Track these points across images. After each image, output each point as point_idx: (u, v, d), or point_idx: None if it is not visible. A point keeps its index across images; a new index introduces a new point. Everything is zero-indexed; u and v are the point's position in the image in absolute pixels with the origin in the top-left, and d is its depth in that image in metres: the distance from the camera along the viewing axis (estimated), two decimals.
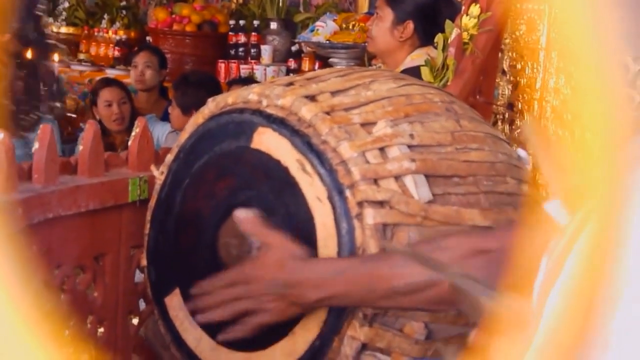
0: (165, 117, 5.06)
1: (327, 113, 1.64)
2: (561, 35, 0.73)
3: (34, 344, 0.65)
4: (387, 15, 3.30)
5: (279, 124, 1.64)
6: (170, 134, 4.62)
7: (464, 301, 1.11)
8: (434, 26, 3.13)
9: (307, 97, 1.67)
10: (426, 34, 3.22)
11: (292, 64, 6.29)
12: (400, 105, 1.70)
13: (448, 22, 2.68)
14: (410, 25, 3.26)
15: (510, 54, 2.73)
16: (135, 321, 2.03)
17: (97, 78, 5.57)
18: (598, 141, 0.69)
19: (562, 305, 0.74)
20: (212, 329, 1.67)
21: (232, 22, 6.75)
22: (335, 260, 1.56)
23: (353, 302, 1.55)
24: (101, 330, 1.95)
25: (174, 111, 4.58)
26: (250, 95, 1.72)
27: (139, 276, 2.02)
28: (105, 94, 4.81)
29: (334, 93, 1.69)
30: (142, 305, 2.05)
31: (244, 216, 1.62)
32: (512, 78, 2.72)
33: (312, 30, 6.08)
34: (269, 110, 1.66)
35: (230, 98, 1.76)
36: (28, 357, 0.64)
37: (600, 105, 0.69)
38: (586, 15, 0.69)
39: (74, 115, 6.07)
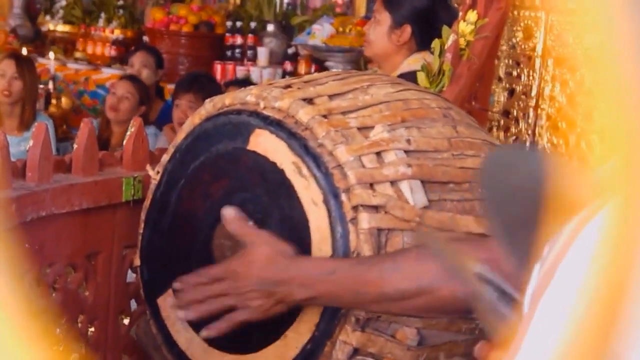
0: (161, 117, 5.05)
1: (324, 116, 1.63)
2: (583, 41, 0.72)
3: (23, 343, 0.64)
4: (385, 19, 3.30)
5: (276, 126, 1.63)
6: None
7: (479, 310, 1.11)
8: (431, 31, 3.12)
9: (304, 99, 1.67)
10: (423, 39, 3.22)
11: (288, 66, 6.29)
12: (398, 110, 1.70)
13: (445, 27, 2.68)
14: (407, 30, 3.26)
15: (506, 60, 2.73)
16: (126, 321, 2.03)
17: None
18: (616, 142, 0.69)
19: (583, 307, 0.73)
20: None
21: (229, 23, 6.76)
22: (325, 260, 1.55)
23: (341, 304, 1.54)
24: (92, 329, 1.95)
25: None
26: (247, 96, 1.72)
27: (130, 276, 2.01)
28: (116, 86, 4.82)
29: (331, 96, 1.69)
30: (133, 305, 2.04)
31: (231, 215, 1.61)
32: (507, 85, 2.72)
33: (308, 33, 6.09)
34: (266, 112, 1.66)
35: (228, 99, 1.76)
36: (17, 356, 0.64)
37: (618, 109, 0.69)
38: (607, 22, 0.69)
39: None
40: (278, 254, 1.54)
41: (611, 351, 0.70)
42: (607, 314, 0.71)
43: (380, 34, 3.30)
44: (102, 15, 7.43)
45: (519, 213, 1.01)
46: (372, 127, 1.64)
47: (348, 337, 1.56)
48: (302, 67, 6.19)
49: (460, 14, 2.69)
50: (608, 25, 0.69)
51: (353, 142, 1.61)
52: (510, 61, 2.70)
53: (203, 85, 4.45)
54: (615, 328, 0.69)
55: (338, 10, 6.64)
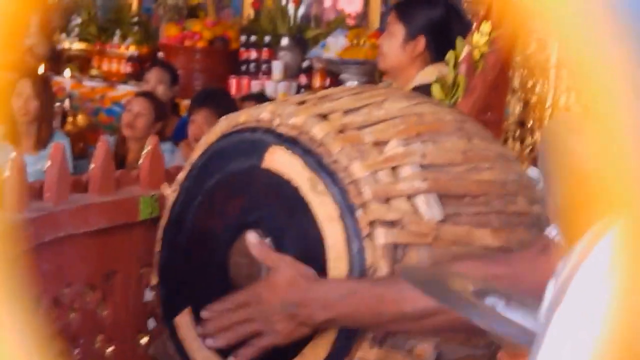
0: (177, 133, 5.06)
1: (339, 132, 1.63)
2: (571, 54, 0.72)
3: None
4: (399, 31, 3.29)
5: (290, 142, 1.63)
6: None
7: (487, 327, 1.10)
8: (445, 42, 3.12)
9: (319, 115, 1.67)
10: (437, 51, 3.21)
11: (303, 79, 6.29)
12: (412, 124, 1.70)
13: (459, 39, 2.68)
14: (422, 41, 3.25)
15: (521, 71, 2.72)
16: (144, 340, 2.03)
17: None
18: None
19: (598, 324, 0.73)
20: (222, 350, 1.66)
21: (243, 37, 6.77)
22: (345, 282, 1.55)
23: (361, 324, 1.55)
24: (110, 349, 1.95)
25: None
26: (262, 113, 1.72)
27: (148, 295, 2.01)
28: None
29: (346, 112, 1.69)
30: (151, 324, 2.04)
31: (254, 241, 1.62)
32: (522, 96, 2.71)
33: (323, 46, 6.10)
34: (281, 129, 1.66)
35: (242, 116, 1.76)
36: None
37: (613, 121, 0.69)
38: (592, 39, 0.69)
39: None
40: (300, 277, 1.55)
41: None
42: (624, 329, 0.71)
43: (394, 46, 3.29)
44: (117, 32, 7.46)
45: None
46: (386, 142, 1.64)
47: (366, 354, 1.56)
48: (316, 80, 6.19)
49: (474, 25, 2.68)
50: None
51: (368, 158, 1.60)
52: (525, 72, 2.70)
53: (218, 101, 4.46)
54: (631, 346, 0.69)
55: (352, 22, 6.65)
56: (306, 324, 1.55)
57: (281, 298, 1.55)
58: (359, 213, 1.56)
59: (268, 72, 6.50)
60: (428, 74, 3.13)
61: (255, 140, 1.69)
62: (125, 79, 6.97)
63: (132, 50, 7.21)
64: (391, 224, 1.56)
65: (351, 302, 1.50)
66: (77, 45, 7.58)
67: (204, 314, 1.65)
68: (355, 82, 5.41)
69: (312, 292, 1.54)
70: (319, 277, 1.56)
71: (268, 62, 6.55)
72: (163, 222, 1.85)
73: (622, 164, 0.71)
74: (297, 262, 1.56)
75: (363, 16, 6.72)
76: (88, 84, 6.83)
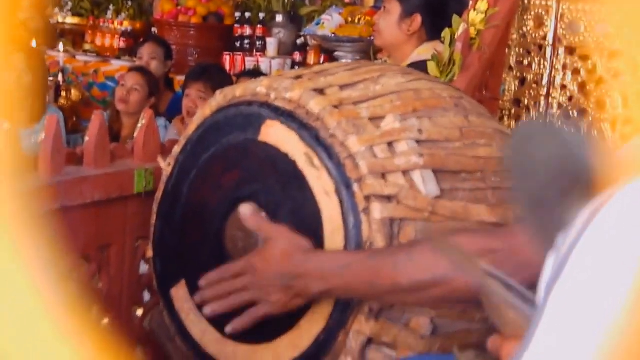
0: (171, 108, 5.04)
1: (336, 107, 1.63)
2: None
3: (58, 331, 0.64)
4: (395, 8, 3.29)
5: (287, 117, 1.63)
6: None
7: (489, 305, 1.10)
8: (441, 20, 3.11)
9: (315, 90, 1.66)
10: (433, 28, 3.20)
11: (297, 56, 6.27)
12: (409, 100, 1.69)
13: (455, 17, 2.67)
14: (418, 19, 3.24)
15: (517, 49, 2.72)
16: (139, 312, 2.03)
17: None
18: None
19: (597, 298, 0.73)
20: (218, 321, 1.66)
21: (237, 14, 6.73)
22: (341, 253, 1.56)
23: (356, 295, 1.55)
24: (105, 321, 1.95)
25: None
26: (258, 87, 1.72)
27: (143, 267, 2.02)
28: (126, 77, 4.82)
29: (342, 87, 1.69)
30: (146, 296, 2.04)
31: (248, 212, 1.61)
32: (518, 74, 2.71)
33: (317, 24, 6.07)
34: (277, 103, 1.66)
35: (238, 90, 1.76)
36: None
37: None
38: None
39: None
40: (295, 248, 1.55)
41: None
42: (626, 302, 0.71)
43: (390, 23, 3.28)
44: (111, 7, 7.41)
45: (543, 187, 1.01)
46: (383, 118, 1.64)
47: (362, 326, 1.56)
48: (311, 58, 6.17)
49: (471, 3, 2.68)
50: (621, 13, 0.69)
51: (365, 133, 1.60)
52: (521, 50, 2.70)
53: (213, 75, 4.44)
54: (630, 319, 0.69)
55: (347, 0, 6.62)
56: (301, 295, 1.55)
57: (276, 269, 1.55)
58: (356, 187, 1.56)
59: (262, 49, 6.48)
60: (424, 52, 3.13)
61: (252, 114, 1.69)
62: (118, 54, 6.93)
63: (126, 26, 7.17)
64: (387, 198, 1.56)
65: (347, 274, 1.50)
66: (70, 20, 7.54)
67: (201, 282, 1.65)
68: (350, 60, 5.40)
69: (308, 264, 1.54)
70: (314, 248, 1.56)
71: (262, 39, 6.52)
72: (158, 195, 1.85)
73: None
74: (293, 232, 1.56)
75: None
76: (81, 58, 6.80)
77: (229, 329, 1.62)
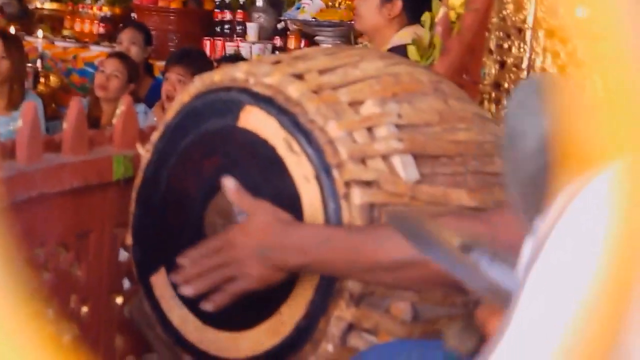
0: (151, 94, 5.02)
1: (315, 92, 1.62)
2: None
3: (16, 326, 0.63)
4: None
5: (266, 102, 1.62)
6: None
7: (472, 281, 1.10)
8: (422, 4, 3.11)
9: (294, 75, 1.66)
10: (414, 12, 3.21)
11: (278, 41, 6.25)
12: (388, 84, 1.69)
13: (435, 0, 2.66)
14: (398, 3, 3.25)
15: (497, 33, 2.72)
16: (119, 300, 2.02)
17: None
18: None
19: (573, 281, 0.73)
20: (198, 308, 1.65)
21: None
22: (321, 227, 1.55)
23: (335, 272, 1.55)
24: (85, 309, 1.94)
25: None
26: (237, 73, 1.70)
27: (123, 255, 2.00)
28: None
29: (321, 72, 1.68)
30: (126, 284, 2.03)
31: (231, 186, 1.60)
32: (498, 57, 2.71)
33: (298, 8, 6.05)
34: (256, 89, 1.65)
35: (217, 76, 1.75)
36: (10, 337, 0.63)
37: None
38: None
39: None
40: (276, 221, 1.54)
41: (612, 323, 0.70)
42: (604, 286, 0.71)
43: (371, 7, 3.29)
44: None
45: (532, 176, 1.02)
46: (362, 102, 1.64)
47: (342, 312, 1.56)
48: (291, 42, 6.15)
49: None
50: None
51: (344, 118, 1.60)
52: (501, 33, 2.69)
53: (193, 60, 4.42)
54: (613, 304, 0.69)
55: None
56: (280, 268, 1.54)
57: (255, 242, 1.54)
58: (335, 173, 1.55)
59: (242, 34, 6.45)
60: (404, 36, 3.12)
61: (230, 100, 1.68)
62: (98, 39, 6.89)
63: (105, 11, 7.13)
64: (367, 184, 1.56)
65: (326, 249, 1.49)
66: (49, 5, 7.48)
67: (180, 260, 1.63)
68: (331, 44, 5.39)
69: (287, 236, 1.53)
70: (295, 221, 1.55)
71: (242, 23, 6.49)
72: (137, 182, 1.84)
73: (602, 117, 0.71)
74: (274, 207, 1.56)
75: None
76: (60, 44, 6.75)
77: (208, 306, 1.61)
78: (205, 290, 1.60)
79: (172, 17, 6.57)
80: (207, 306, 1.61)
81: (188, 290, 1.62)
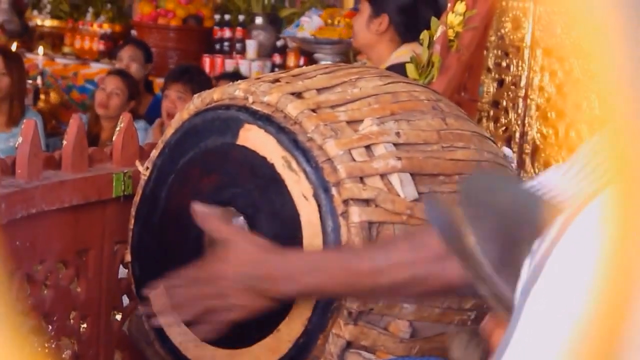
0: (150, 111, 5.03)
1: (313, 110, 1.63)
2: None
3: (14, 342, 0.64)
4: (365, 9, 3.34)
5: (265, 120, 1.63)
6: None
7: (480, 283, 1.10)
8: (413, 21, 3.15)
9: (293, 94, 1.66)
10: (405, 30, 3.24)
11: (277, 59, 6.28)
12: (387, 103, 1.70)
13: (434, 19, 2.68)
14: (385, 19, 3.28)
15: (495, 51, 2.73)
16: (118, 317, 2.02)
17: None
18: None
19: (575, 301, 0.73)
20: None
21: (217, 16, 6.74)
22: (310, 253, 1.54)
23: (335, 295, 1.54)
24: (84, 326, 1.94)
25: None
26: (236, 91, 1.71)
27: (122, 272, 2.01)
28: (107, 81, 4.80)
29: (320, 90, 1.69)
30: (125, 301, 2.03)
31: (200, 211, 1.59)
32: (497, 76, 2.72)
33: (297, 26, 6.07)
34: (255, 107, 1.66)
35: (216, 94, 1.76)
36: (8, 353, 0.64)
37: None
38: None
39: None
40: (255, 249, 1.52)
41: (607, 344, 0.70)
42: (602, 308, 0.72)
43: (362, 24, 3.33)
44: (90, 9, 7.39)
45: (494, 229, 1.04)
46: (361, 121, 1.64)
47: (341, 330, 1.56)
48: (291, 60, 6.18)
49: (449, 5, 2.69)
50: (596, 15, 0.69)
51: (342, 136, 1.61)
52: (499, 52, 2.71)
53: (192, 77, 4.44)
54: (610, 327, 0.70)
55: (326, 2, 6.63)
56: (268, 296, 1.52)
57: (234, 272, 1.52)
58: (334, 191, 1.56)
59: (242, 51, 6.48)
60: (403, 54, 3.14)
61: (229, 118, 1.69)
62: (98, 56, 6.91)
63: (105, 28, 7.16)
64: (365, 202, 1.56)
65: (320, 275, 1.48)
66: (49, 22, 7.51)
67: (147, 292, 1.62)
68: (330, 62, 5.40)
69: (271, 264, 1.51)
70: (275, 247, 1.53)
71: (242, 41, 6.52)
72: (137, 199, 1.85)
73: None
74: (250, 234, 1.55)
75: None
76: (61, 61, 6.78)
77: (200, 336, 1.61)
78: (189, 319, 1.59)
79: (171, 35, 6.60)
80: (199, 336, 1.61)
81: (170, 320, 1.61)
